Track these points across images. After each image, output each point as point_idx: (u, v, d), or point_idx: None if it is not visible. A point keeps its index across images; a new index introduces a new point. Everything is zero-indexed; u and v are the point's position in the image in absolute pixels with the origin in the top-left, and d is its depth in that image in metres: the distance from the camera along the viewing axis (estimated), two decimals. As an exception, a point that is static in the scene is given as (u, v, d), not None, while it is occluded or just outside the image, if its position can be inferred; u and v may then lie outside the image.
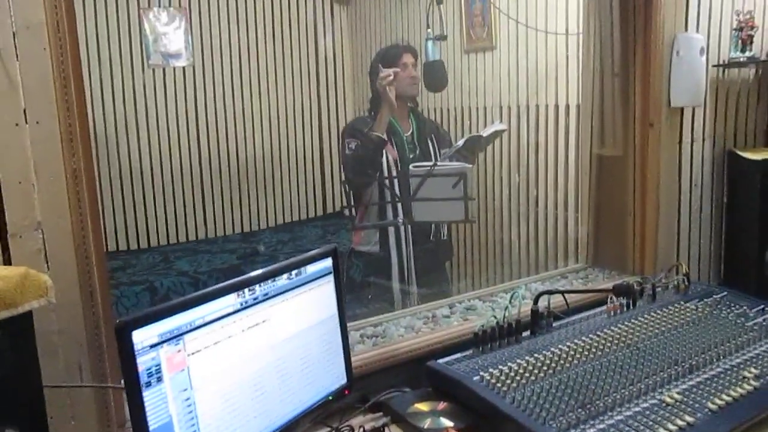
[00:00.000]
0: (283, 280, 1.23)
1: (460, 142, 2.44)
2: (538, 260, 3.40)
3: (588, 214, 2.29)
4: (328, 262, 1.35)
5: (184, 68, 4.53)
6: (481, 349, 1.51)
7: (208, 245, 4.50)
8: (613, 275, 2.17)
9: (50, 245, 1.10)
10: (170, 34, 4.44)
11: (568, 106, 3.15)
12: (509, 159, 3.57)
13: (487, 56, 3.69)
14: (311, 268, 1.30)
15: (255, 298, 1.17)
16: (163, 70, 4.46)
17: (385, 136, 2.41)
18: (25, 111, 1.06)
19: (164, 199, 4.59)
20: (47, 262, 1.10)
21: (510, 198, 3.60)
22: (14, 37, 1.03)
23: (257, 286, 1.18)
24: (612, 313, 1.69)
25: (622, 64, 2.12)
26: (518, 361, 1.43)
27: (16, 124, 1.06)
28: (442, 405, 1.38)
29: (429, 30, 2.51)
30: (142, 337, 0.97)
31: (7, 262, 1.06)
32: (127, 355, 0.95)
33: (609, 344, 1.52)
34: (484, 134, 2.47)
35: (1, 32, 1.02)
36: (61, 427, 1.14)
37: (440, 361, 1.46)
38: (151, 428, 0.97)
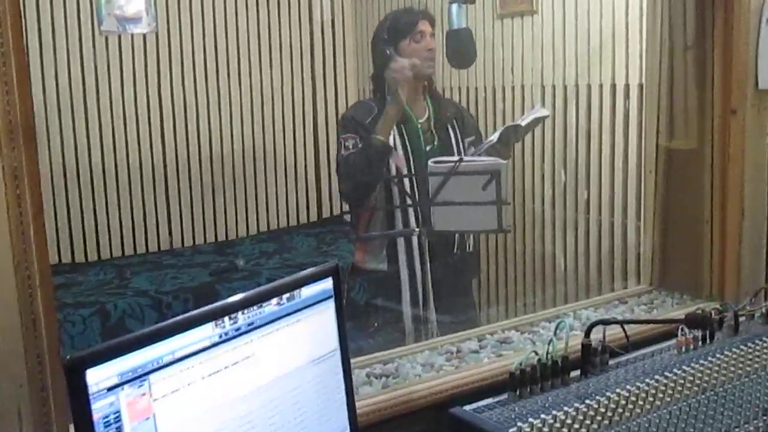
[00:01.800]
0: (271, 307, 1.25)
1: (495, 136, 2.46)
2: (589, 280, 3.41)
3: (653, 222, 2.29)
4: (327, 284, 1.36)
5: (144, 36, 4.55)
6: (518, 393, 1.52)
7: (174, 258, 4.53)
8: (684, 300, 2.18)
9: (-17, 262, 1.12)
10: (128, -7, 4.48)
11: (628, 87, 3.16)
12: (553, 152, 3.58)
13: (525, 22, 3.70)
14: (307, 291, 1.32)
15: (237, 329, 1.18)
16: (119, 38, 4.49)
17: (390, 141, 2.43)
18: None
19: (118, 200, 4.62)
20: (-20, 283, 1.12)
21: (554, 201, 3.60)
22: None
23: (240, 313, 1.19)
24: (683, 349, 1.69)
25: (697, 34, 2.13)
26: (565, 408, 1.43)
27: (-57, 111, 1.08)
28: (469, 463, 1.39)
29: (454, -9, 2.53)
30: (97, 377, 0.99)
31: (-69, 283, 1.08)
32: (79, 399, 0.96)
33: (680, 388, 1.53)
34: (523, 123, 2.49)
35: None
36: (-5, 488, 1.16)
37: (467, 408, 1.47)
38: (108, 491, 0.98)
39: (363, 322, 2.65)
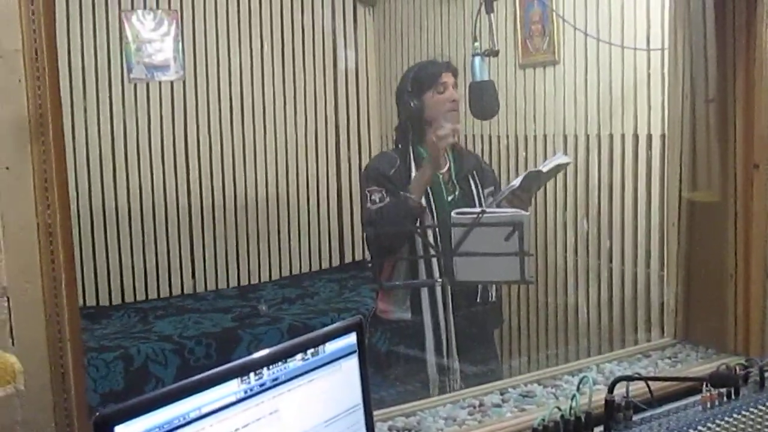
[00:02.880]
0: (296, 362, 1.25)
1: (517, 182, 2.47)
2: (612, 332, 3.38)
3: (676, 274, 2.28)
4: (351, 338, 1.37)
5: (172, 84, 4.65)
6: (541, 449, 1.51)
7: (197, 302, 4.56)
8: (709, 354, 2.16)
9: (16, 316, 1.14)
10: (156, 41, 4.58)
11: (650, 137, 3.17)
12: (576, 201, 3.58)
13: (548, 72, 3.73)
14: (331, 347, 1.32)
15: (262, 385, 1.19)
16: (147, 85, 4.59)
17: (423, 201, 2.46)
18: (-7, 155, 1.12)
19: (143, 244, 4.67)
20: (12, 338, 1.14)
21: (576, 251, 3.59)
22: (-15, 68, 1.09)
23: (265, 369, 1.20)
24: (708, 405, 1.68)
25: (718, 87, 2.14)
26: (589, 466, 1.43)
27: (-18, 170, 1.12)
28: None
29: (476, 44, 2.56)
30: (125, 433, 1.00)
31: (-35, 336, 1.11)
32: (107, 455, 0.98)
33: (705, 446, 1.51)
34: (545, 169, 2.50)
35: (-30, 62, 1.09)
36: None
37: (490, 464, 1.47)
38: None
39: (385, 371, 2.65)
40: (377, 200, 2.47)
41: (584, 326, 3.53)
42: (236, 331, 3.89)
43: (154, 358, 3.60)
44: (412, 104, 2.52)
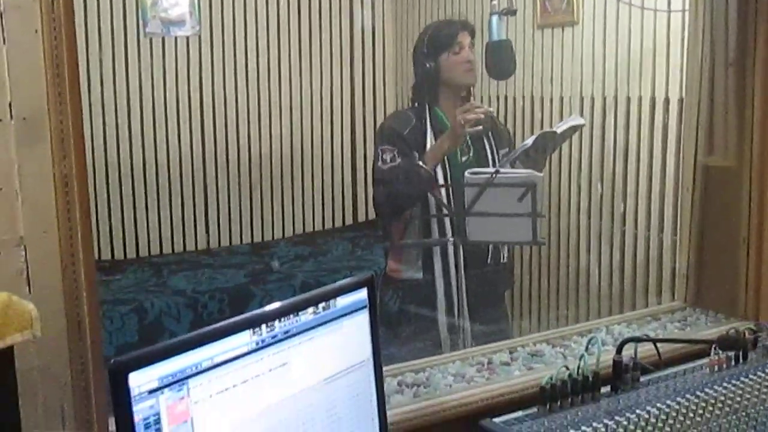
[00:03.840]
0: (307, 315, 1.27)
1: (530, 141, 2.47)
2: (623, 295, 3.39)
3: (689, 239, 2.28)
4: (362, 294, 1.38)
5: (187, 39, 4.63)
6: (548, 407, 1.53)
7: (210, 258, 4.60)
8: (718, 319, 2.17)
9: (33, 265, 1.17)
10: (172, -4, 4.55)
11: (667, 101, 3.15)
12: (590, 164, 3.57)
13: (566, 34, 3.70)
14: (342, 301, 1.34)
15: (273, 337, 1.21)
16: (162, 41, 4.57)
17: (443, 179, 2.45)
18: (10, 105, 1.13)
19: (158, 199, 4.70)
20: (29, 286, 1.16)
21: (589, 214, 3.59)
22: (1, 18, 1.10)
23: (277, 321, 1.22)
24: (715, 369, 1.69)
25: (738, 51, 2.12)
26: (595, 424, 1.44)
27: (0, 120, 1.13)
28: (497, 476, 1.41)
29: (494, 2, 2.55)
30: (139, 380, 1.02)
31: (-17, 283, 1.13)
32: (121, 402, 1.00)
33: (710, 408, 1.53)
34: (559, 130, 2.49)
35: (-13, 11, 1.09)
36: (38, 482, 1.20)
37: (497, 420, 1.48)
38: (146, 491, 1.02)
39: (395, 330, 2.67)
40: (388, 159, 2.47)
41: (595, 289, 3.55)
42: (249, 286, 3.93)
43: (167, 312, 3.64)
44: (428, 65, 2.51)
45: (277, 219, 5.10)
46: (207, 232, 4.88)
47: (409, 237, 2.59)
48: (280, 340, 1.22)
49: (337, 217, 5.32)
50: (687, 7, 2.47)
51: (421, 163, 2.43)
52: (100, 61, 4.43)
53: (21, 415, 1.05)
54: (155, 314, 3.62)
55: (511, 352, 1.95)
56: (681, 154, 2.43)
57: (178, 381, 1.07)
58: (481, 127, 2.40)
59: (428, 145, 2.49)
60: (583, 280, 3.63)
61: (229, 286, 3.93)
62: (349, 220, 5.35)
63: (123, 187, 4.60)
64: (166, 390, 1.05)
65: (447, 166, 2.51)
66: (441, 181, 2.49)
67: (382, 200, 2.60)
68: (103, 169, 4.51)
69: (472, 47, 2.54)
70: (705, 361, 1.71)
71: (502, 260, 2.68)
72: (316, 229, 5.23)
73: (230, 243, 4.94)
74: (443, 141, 2.44)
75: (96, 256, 4.45)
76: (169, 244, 4.78)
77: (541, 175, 2.29)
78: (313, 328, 1.28)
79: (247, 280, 4.04)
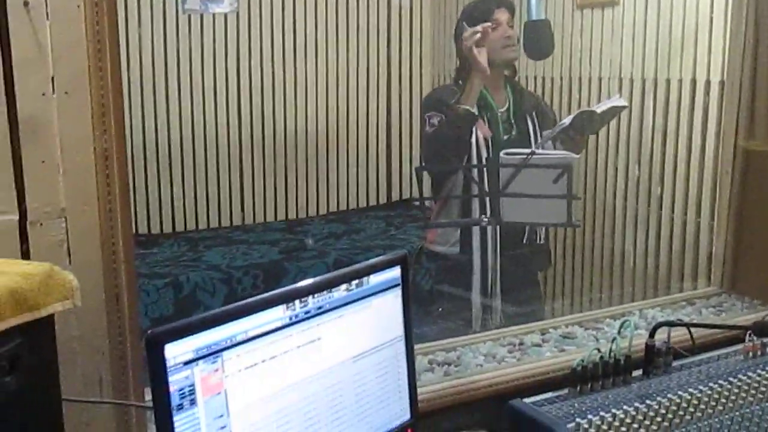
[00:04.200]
0: (341, 292, 1.29)
1: (567, 120, 2.45)
2: (658, 279, 3.37)
3: (726, 223, 2.27)
4: (396, 272, 1.40)
5: (226, 16, 4.65)
6: (579, 389, 1.53)
7: (245, 234, 4.64)
8: (754, 305, 2.15)
9: (73, 237, 1.20)
10: (211, -28, 4.57)
11: (708, 83, 3.10)
12: (628, 146, 3.54)
13: (606, 14, 3.65)
14: (375, 279, 1.35)
15: (307, 312, 1.23)
16: (201, 17, 4.60)
17: (475, 110, 2.44)
18: (53, 79, 1.15)
19: (194, 176, 4.75)
20: (69, 257, 1.19)
21: (626, 196, 3.56)
22: (46, -6, 1.12)
23: (310, 297, 1.24)
24: (750, 355, 1.68)
25: (782, 32, 2.09)
26: (625, 407, 1.44)
27: (43, 94, 1.15)
28: (525, 455, 1.42)
29: (533, -19, 2.53)
30: (175, 352, 1.04)
31: (26, 254, 1.16)
32: (158, 372, 1.02)
33: (743, 394, 1.52)
34: (599, 110, 2.47)
35: (31, -14, 1.11)
36: (76, 448, 1.24)
37: (527, 400, 1.49)
38: (180, 459, 1.04)
39: (429, 308, 2.69)
40: (436, 123, 2.47)
41: (630, 272, 3.53)
42: (283, 263, 3.96)
43: (202, 287, 3.69)
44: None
45: (312, 196, 5.12)
46: (242, 208, 4.93)
47: (446, 215, 2.60)
48: (313, 316, 1.24)
49: (371, 196, 5.33)
50: (731, -13, 2.43)
51: (460, 105, 2.42)
52: (140, 37, 4.46)
53: (61, 382, 1.08)
54: (190, 288, 3.67)
55: (542, 334, 1.96)
56: (721, 137, 2.39)
57: (213, 353, 1.09)
58: (480, 36, 2.37)
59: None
60: (618, 263, 3.61)
61: (263, 262, 3.97)
62: (383, 199, 5.36)
63: (160, 163, 4.65)
64: (200, 362, 1.08)
65: (490, 143, 2.51)
66: (484, 156, 2.48)
67: (433, 159, 2.59)
68: (141, 145, 4.56)
69: (510, 23, 2.52)
70: (739, 347, 1.70)
71: (538, 241, 2.68)
72: (350, 207, 5.25)
73: (265, 219, 4.97)
74: (471, 78, 2.42)
75: (134, 230, 4.54)
76: (205, 219, 4.83)
77: (577, 156, 2.28)
78: (345, 304, 1.30)
79: (281, 257, 4.07)
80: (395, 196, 5.37)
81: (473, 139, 2.47)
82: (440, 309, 2.69)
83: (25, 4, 1.11)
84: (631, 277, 3.52)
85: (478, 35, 2.38)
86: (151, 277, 3.69)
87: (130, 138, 4.45)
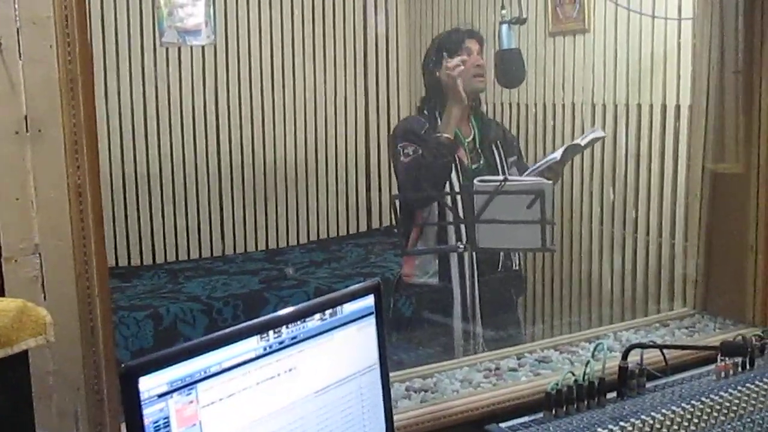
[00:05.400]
0: (314, 321, 1.30)
1: (557, 154, 2.46)
2: (635, 301, 3.39)
3: (697, 245, 2.30)
4: (369, 301, 1.41)
5: (203, 48, 4.67)
6: (554, 412, 1.55)
7: (225, 264, 4.63)
8: (726, 325, 2.18)
9: (48, 272, 1.20)
10: (188, 6, 4.57)
11: (678, 108, 3.15)
12: (602, 171, 3.58)
13: (577, 41, 3.71)
14: (349, 308, 1.37)
15: (281, 342, 1.24)
16: (179, 50, 4.61)
17: (452, 188, 2.47)
18: (26, 117, 1.17)
19: (174, 206, 4.74)
20: (44, 292, 1.20)
21: (602, 220, 3.60)
22: (18, 34, 1.14)
23: (284, 327, 1.25)
24: (722, 375, 1.71)
25: (745, 59, 2.13)
26: (599, 430, 1.46)
27: (16, 132, 1.17)
28: (502, 480, 1.43)
29: (504, 11, 2.57)
30: (149, 384, 1.05)
31: (0, 290, 1.17)
32: (132, 405, 1.03)
33: (716, 414, 1.54)
34: (582, 143, 2.51)
35: (5, 27, 1.13)
36: (52, 483, 1.24)
37: (503, 425, 1.50)
38: (156, 491, 1.05)
39: (409, 335, 2.70)
40: (411, 152, 2.48)
41: (608, 295, 3.55)
42: (263, 293, 3.95)
43: (182, 318, 3.68)
44: (436, 74, 2.54)
45: (292, 226, 5.13)
46: (222, 238, 4.92)
47: (423, 243, 2.62)
48: (288, 346, 1.25)
49: (351, 224, 5.34)
50: (695, 15, 2.48)
51: (439, 134, 2.45)
52: (118, 70, 4.48)
53: (35, 417, 1.08)
54: (170, 320, 3.65)
55: (518, 358, 1.97)
56: (689, 161, 2.44)
57: (187, 385, 1.10)
58: (462, 67, 2.43)
59: None
60: (595, 287, 3.64)
61: (243, 292, 3.96)
62: (363, 227, 5.37)
63: (139, 195, 4.64)
64: (175, 394, 1.08)
65: (459, 172, 2.54)
66: (456, 188, 2.51)
67: (412, 189, 2.61)
68: (120, 177, 4.56)
69: (480, 53, 2.56)
70: (712, 367, 1.72)
71: (513, 267, 2.70)
72: (330, 235, 5.25)
73: (245, 250, 4.97)
74: (449, 108, 2.45)
75: (113, 262, 4.53)
76: (185, 250, 4.81)
77: (550, 182, 2.31)
78: (320, 334, 1.31)
79: (261, 287, 4.07)
80: (375, 224, 5.38)
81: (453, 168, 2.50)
82: (421, 336, 2.69)
83: (-2, 44, 1.13)
84: (609, 300, 3.54)
85: (461, 67, 2.42)
86: (131, 309, 3.68)
87: (108, 170, 4.45)
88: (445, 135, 2.44)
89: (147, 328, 3.60)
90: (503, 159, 2.62)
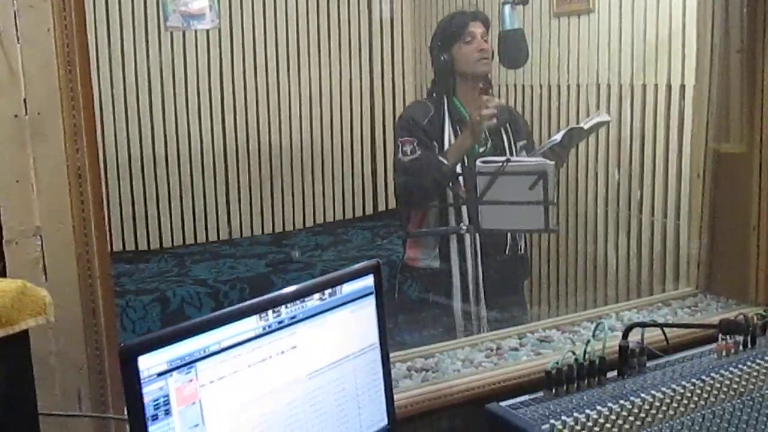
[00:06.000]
0: (314, 301, 1.32)
1: (558, 136, 2.48)
2: (641, 282, 3.40)
3: (700, 225, 2.30)
4: (368, 281, 1.42)
5: (208, 33, 4.69)
6: (554, 391, 1.55)
7: (232, 248, 4.66)
8: (729, 305, 2.18)
9: (49, 254, 1.22)
10: (192, -10, 4.61)
11: (683, 87, 3.14)
12: (608, 151, 3.57)
13: (582, 21, 3.70)
14: (348, 288, 1.38)
15: (280, 322, 1.26)
16: (183, 34, 4.63)
17: (446, 142, 2.48)
18: (25, 101, 1.18)
19: (180, 191, 4.77)
20: (45, 274, 1.22)
21: (607, 201, 3.60)
22: (15, 18, 1.15)
23: (283, 307, 1.26)
24: (723, 354, 1.71)
25: (748, 38, 2.12)
26: (599, 408, 1.46)
27: (15, 116, 1.18)
28: (502, 458, 1.44)
29: (507, -9, 2.57)
30: (149, 363, 1.07)
31: (2, 272, 1.19)
32: (131, 383, 1.05)
33: (716, 392, 1.54)
34: (586, 126, 2.51)
35: (2, 11, 1.14)
36: (56, 462, 1.26)
37: (503, 404, 1.51)
38: (157, 468, 1.07)
39: (412, 318, 2.72)
40: (408, 152, 2.51)
41: (613, 276, 3.56)
42: (269, 276, 3.98)
43: (189, 301, 3.70)
44: (442, 58, 2.55)
45: (298, 209, 5.15)
46: (229, 222, 4.95)
47: (426, 226, 2.63)
48: (287, 326, 1.27)
49: (357, 207, 5.36)
50: (699, -7, 2.47)
51: (442, 159, 2.46)
52: (123, 55, 4.49)
53: (38, 397, 1.10)
54: (177, 303, 3.68)
55: (520, 338, 1.98)
56: (692, 141, 2.44)
57: (187, 364, 1.12)
58: (495, 120, 2.43)
59: (446, 134, 2.53)
60: (601, 268, 3.64)
61: (249, 276, 3.99)
62: (369, 210, 5.39)
63: (146, 179, 4.67)
64: (174, 373, 1.10)
65: (464, 156, 2.54)
66: (458, 169, 2.52)
67: (403, 191, 2.64)
68: (126, 162, 4.59)
69: (484, 37, 2.56)
70: (713, 346, 1.72)
71: (519, 251, 2.71)
72: (336, 219, 5.28)
73: (252, 233, 5.00)
74: (464, 138, 2.48)
75: (120, 247, 4.57)
76: (192, 234, 4.84)
77: (552, 163, 2.31)
78: (319, 313, 1.32)
79: (267, 270, 4.09)
80: (381, 207, 5.40)
81: None
82: (425, 318, 2.71)
83: (-5, 28, 1.14)
84: (614, 281, 3.55)
85: (493, 116, 2.42)
86: (138, 293, 3.71)
87: (115, 155, 4.49)
88: (447, 165, 2.46)
89: (154, 311, 3.63)
90: (512, 143, 2.62)
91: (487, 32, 2.58)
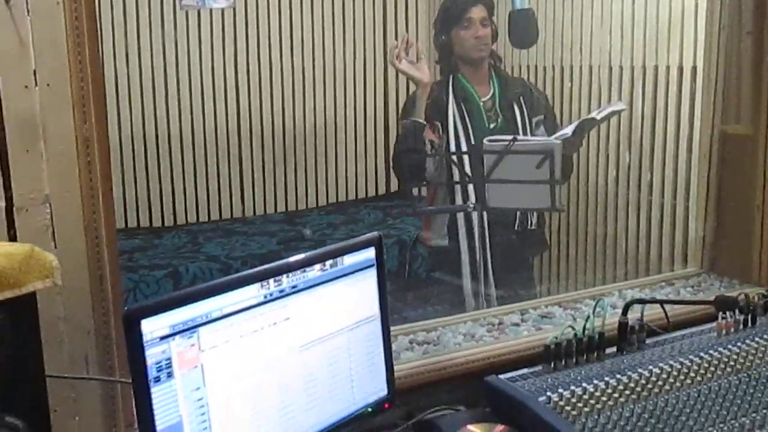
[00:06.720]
0: (315, 272, 1.35)
1: (569, 129, 2.48)
2: (649, 261, 3.41)
3: (705, 206, 2.31)
4: (370, 253, 1.45)
5: (223, 11, 4.69)
6: (553, 365, 1.58)
7: (244, 226, 4.70)
8: (732, 284, 2.19)
9: (58, 222, 1.26)
10: (208, -32, 4.62)
11: (695, 69, 3.15)
12: (618, 133, 3.58)
13: (595, 2, 3.69)
14: (349, 259, 1.41)
15: (281, 291, 1.29)
16: (198, 12, 4.64)
17: (450, 121, 2.49)
18: (35, 72, 1.22)
19: (194, 169, 4.80)
20: (54, 241, 1.26)
21: (617, 182, 3.61)
22: (25, -10, 1.18)
23: (284, 276, 1.29)
24: (723, 332, 1.72)
25: (756, 20, 2.12)
26: (596, 382, 1.49)
27: (26, 87, 1.21)
28: (499, 428, 1.46)
29: (517, -29, 2.57)
30: (151, 327, 1.10)
31: (13, 238, 1.23)
32: (134, 346, 1.08)
33: (713, 368, 1.56)
34: (599, 116, 2.51)
35: (13, -16, 1.17)
36: (64, 423, 1.30)
37: (502, 376, 1.54)
38: (158, 429, 1.10)
39: (423, 293, 2.75)
40: (401, 132, 2.56)
41: (622, 256, 3.57)
42: (281, 253, 4.01)
43: (201, 277, 3.75)
44: (441, 38, 2.58)
45: (311, 188, 5.18)
46: (242, 200, 4.98)
47: (436, 204, 2.66)
48: (288, 295, 1.30)
49: (369, 187, 5.38)
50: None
51: (418, 119, 2.48)
52: (138, 32, 4.52)
53: (46, 361, 1.14)
54: (189, 279, 3.73)
55: (522, 314, 2.00)
56: (699, 121, 2.44)
57: (189, 329, 1.15)
58: (398, 50, 2.44)
59: (450, 112, 2.55)
60: (610, 248, 3.66)
61: (261, 252, 4.02)
62: (381, 190, 5.41)
63: (161, 157, 4.71)
64: (177, 337, 1.13)
65: (471, 133, 2.56)
66: (464, 147, 2.54)
67: (394, 165, 2.67)
68: (141, 140, 4.62)
69: (483, 22, 2.56)
70: (713, 324, 1.74)
71: (529, 226, 2.72)
72: (349, 198, 5.31)
73: (265, 211, 5.03)
74: (414, 92, 2.51)
75: (134, 223, 4.62)
76: (205, 212, 4.88)
77: (559, 142, 2.32)
78: (320, 284, 1.35)
79: (279, 247, 4.13)
80: (393, 187, 5.41)
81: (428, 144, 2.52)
82: (433, 295, 2.74)
83: (6, 1, 1.17)
84: (623, 261, 3.57)
85: (396, 50, 2.45)
86: (151, 268, 3.76)
87: (130, 133, 4.52)
88: (413, 118, 2.48)
89: (167, 286, 3.68)
90: (526, 117, 2.63)
91: (489, 16, 2.58)
